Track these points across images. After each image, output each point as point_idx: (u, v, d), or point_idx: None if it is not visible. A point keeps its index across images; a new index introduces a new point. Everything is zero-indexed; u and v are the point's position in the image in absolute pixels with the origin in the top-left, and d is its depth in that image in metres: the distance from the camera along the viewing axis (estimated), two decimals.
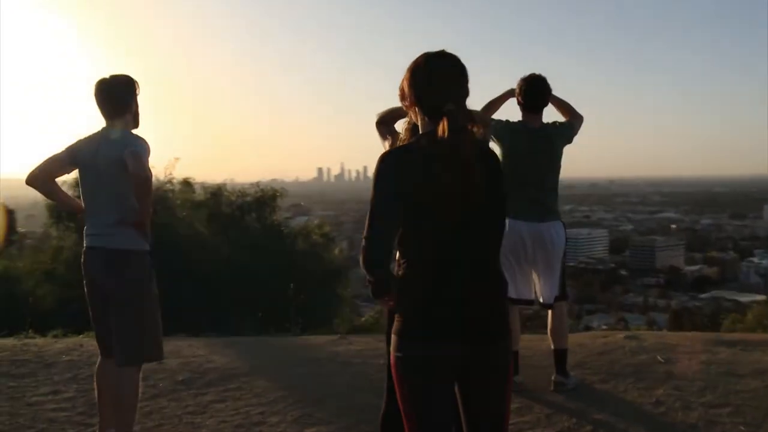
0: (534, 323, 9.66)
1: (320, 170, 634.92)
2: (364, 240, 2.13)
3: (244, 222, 18.10)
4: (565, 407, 4.32)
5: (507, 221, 4.57)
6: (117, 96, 3.55)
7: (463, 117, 2.17)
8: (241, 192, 18.59)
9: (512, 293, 4.65)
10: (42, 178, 3.62)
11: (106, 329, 3.54)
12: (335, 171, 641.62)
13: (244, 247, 16.17)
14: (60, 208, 3.54)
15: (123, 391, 3.47)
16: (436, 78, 2.22)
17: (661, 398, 4.42)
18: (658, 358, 5.23)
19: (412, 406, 2.20)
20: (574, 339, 5.95)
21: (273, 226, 18.27)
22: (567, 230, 4.82)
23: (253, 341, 6.68)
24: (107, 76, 3.57)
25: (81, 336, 6.79)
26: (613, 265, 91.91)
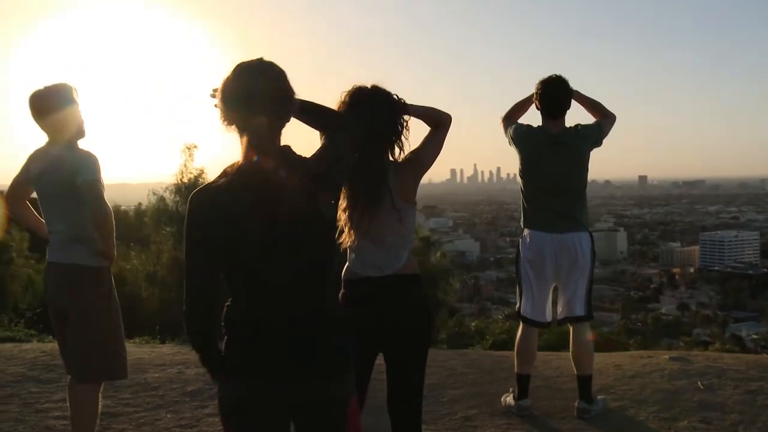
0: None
1: (453, 171, 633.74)
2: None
3: None
4: None
5: (527, 232, 4.32)
6: (53, 108, 3.36)
7: (268, 136, 1.94)
8: None
9: (527, 313, 4.33)
10: (11, 203, 3.64)
11: (63, 344, 3.58)
12: (468, 172, 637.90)
13: None
14: (30, 232, 3.62)
15: (77, 408, 3.47)
16: (240, 91, 1.94)
17: (681, 431, 3.94)
18: (699, 384, 4.68)
19: None
20: (612, 358, 5.50)
21: None
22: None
23: None
24: (41, 87, 3.40)
25: (163, 344, 6.97)
26: (765, 269, 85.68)
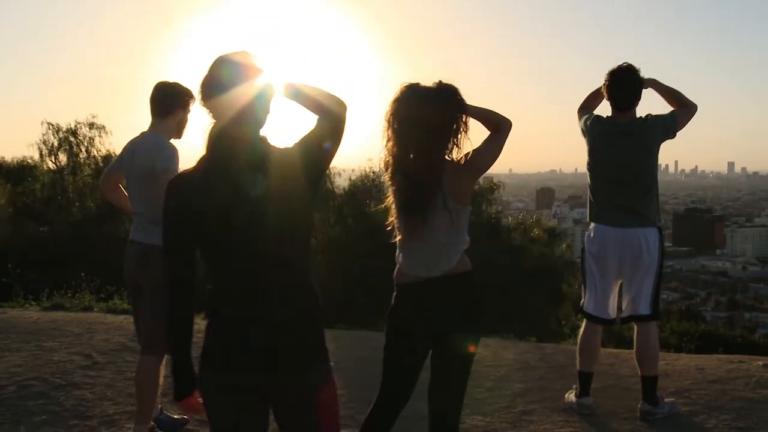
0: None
1: None
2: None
3: None
4: None
5: (593, 226, 4.20)
6: (163, 100, 3.75)
7: (241, 126, 1.98)
8: None
9: (590, 309, 4.22)
10: (105, 188, 4.04)
11: (137, 317, 3.89)
12: None
13: None
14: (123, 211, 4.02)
15: (141, 378, 3.72)
16: (216, 79, 1.99)
17: None
18: None
19: None
20: (697, 361, 5.23)
21: (488, 220, 18.15)
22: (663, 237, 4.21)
23: (367, 335, 6.62)
24: (168, 80, 3.82)
25: None
26: None
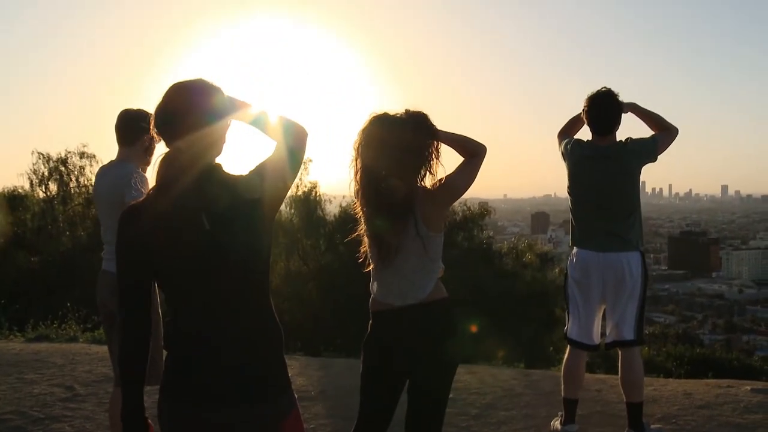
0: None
1: None
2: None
3: (453, 241, 18.20)
4: None
5: (575, 251, 4.17)
6: (127, 128, 3.70)
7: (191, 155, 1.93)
8: (450, 210, 18.72)
9: (573, 335, 4.18)
10: None
11: (111, 347, 3.83)
12: None
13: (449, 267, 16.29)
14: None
15: (114, 411, 3.60)
16: (170, 107, 1.95)
17: None
18: None
19: None
20: (685, 386, 5.18)
21: (479, 246, 18.14)
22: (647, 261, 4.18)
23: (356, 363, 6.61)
24: (130, 108, 3.75)
25: None
26: None
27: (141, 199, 2.04)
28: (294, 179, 2.09)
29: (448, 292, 2.77)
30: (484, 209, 18.60)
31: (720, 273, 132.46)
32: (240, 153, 2.15)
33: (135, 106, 3.80)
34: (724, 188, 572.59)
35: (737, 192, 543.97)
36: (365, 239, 2.80)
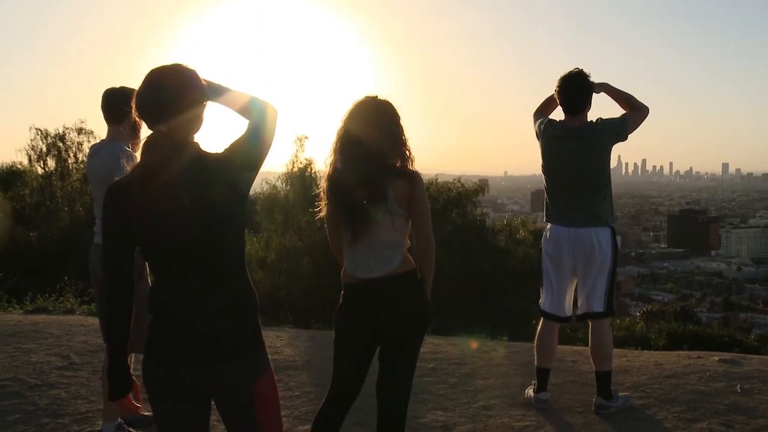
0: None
1: None
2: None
3: (446, 218, 18.34)
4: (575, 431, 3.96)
5: (549, 226, 4.35)
6: (112, 107, 3.79)
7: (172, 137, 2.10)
8: (444, 187, 18.87)
9: (546, 307, 4.37)
10: None
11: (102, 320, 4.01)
12: (611, 164, 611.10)
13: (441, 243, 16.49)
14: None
15: (105, 376, 3.87)
16: (149, 91, 2.11)
17: None
18: (737, 388, 4.50)
19: (159, 427, 2.27)
20: (657, 357, 5.38)
21: (473, 223, 18.31)
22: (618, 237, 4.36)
23: None
24: (113, 87, 3.84)
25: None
26: None
27: (126, 175, 2.21)
28: (264, 155, 2.24)
29: (416, 263, 2.95)
30: (478, 186, 18.74)
31: (719, 251, 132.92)
32: (216, 132, 2.31)
33: (119, 84, 3.87)
34: (725, 166, 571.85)
35: (738, 170, 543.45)
36: (329, 220, 2.99)
